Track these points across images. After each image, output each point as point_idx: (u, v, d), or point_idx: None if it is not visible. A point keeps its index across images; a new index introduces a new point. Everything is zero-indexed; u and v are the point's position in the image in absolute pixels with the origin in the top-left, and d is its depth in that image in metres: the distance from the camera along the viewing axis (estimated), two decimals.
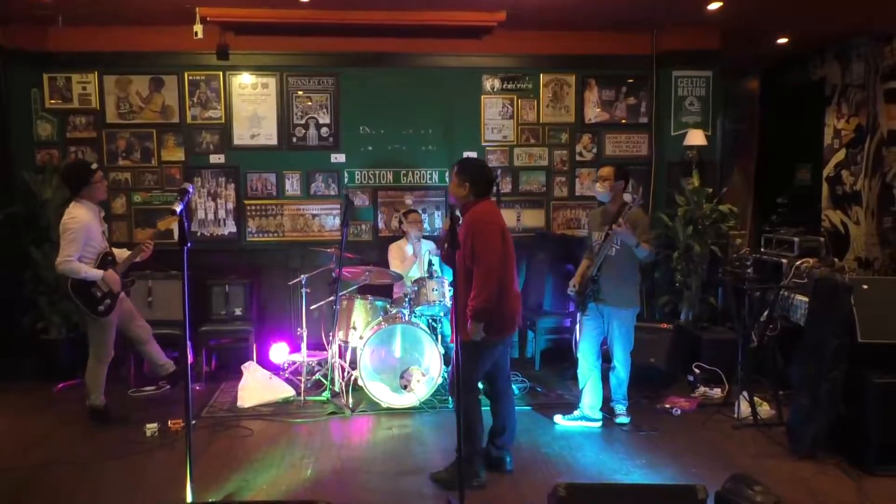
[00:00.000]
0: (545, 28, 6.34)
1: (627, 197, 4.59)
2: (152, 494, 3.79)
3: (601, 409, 4.81)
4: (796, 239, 5.40)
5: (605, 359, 4.86)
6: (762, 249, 5.81)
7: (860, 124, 6.60)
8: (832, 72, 7.01)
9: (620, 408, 4.84)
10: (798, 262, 5.08)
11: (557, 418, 4.84)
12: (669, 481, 3.90)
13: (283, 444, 4.55)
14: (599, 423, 4.78)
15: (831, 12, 5.77)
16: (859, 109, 6.61)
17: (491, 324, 3.85)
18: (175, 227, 4.95)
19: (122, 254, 4.89)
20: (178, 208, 3.27)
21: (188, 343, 3.66)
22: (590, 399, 4.78)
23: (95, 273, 4.66)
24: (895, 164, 6.20)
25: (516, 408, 4.22)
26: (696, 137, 6.24)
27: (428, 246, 6.00)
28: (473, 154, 6.50)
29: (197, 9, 5.30)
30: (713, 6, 5.60)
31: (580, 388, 4.82)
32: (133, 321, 5.00)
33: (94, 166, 4.85)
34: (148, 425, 4.69)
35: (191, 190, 3.55)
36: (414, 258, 5.87)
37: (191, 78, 6.27)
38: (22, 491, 3.88)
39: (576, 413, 4.82)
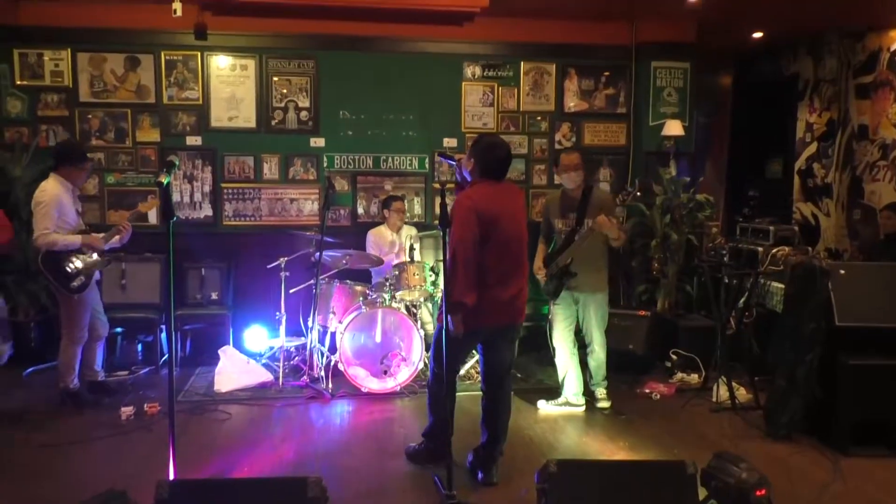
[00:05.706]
0: (527, 16, 6.34)
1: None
2: (131, 474, 3.70)
3: (583, 395, 4.84)
4: (771, 228, 5.48)
5: (580, 345, 4.88)
6: (738, 237, 5.90)
7: (832, 118, 6.75)
8: (805, 67, 7.15)
9: (601, 391, 4.87)
10: (774, 250, 5.18)
11: (541, 403, 4.85)
12: None
13: (262, 428, 4.49)
14: (583, 408, 4.81)
15: (805, 6, 5.87)
16: (831, 104, 6.76)
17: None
18: (153, 210, 4.92)
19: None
20: (165, 180, 3.18)
21: (166, 320, 3.58)
22: (572, 387, 4.80)
23: (74, 240, 4.55)
24: (865, 157, 6.35)
25: None
26: (673, 128, 6.32)
27: (409, 231, 5.98)
28: (453, 141, 6.49)
29: None
30: None
31: (560, 378, 4.83)
32: (97, 313, 4.86)
33: (90, 156, 4.84)
34: (123, 408, 4.59)
35: (177, 163, 3.48)
36: (400, 246, 5.84)
37: (168, 57, 6.13)
38: None
39: (560, 400, 4.83)
